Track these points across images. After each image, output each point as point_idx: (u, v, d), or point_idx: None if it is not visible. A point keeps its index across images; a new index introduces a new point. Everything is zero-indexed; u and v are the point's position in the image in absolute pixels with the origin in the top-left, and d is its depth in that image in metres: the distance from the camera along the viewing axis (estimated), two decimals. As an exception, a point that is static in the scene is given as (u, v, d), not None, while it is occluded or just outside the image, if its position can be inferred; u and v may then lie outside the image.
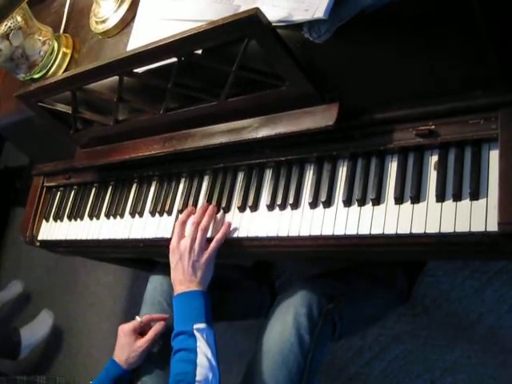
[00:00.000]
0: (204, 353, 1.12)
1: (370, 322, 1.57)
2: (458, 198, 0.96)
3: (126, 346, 1.33)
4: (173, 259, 1.23)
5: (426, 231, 0.98)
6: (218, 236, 1.22)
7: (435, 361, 1.68)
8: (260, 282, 1.86)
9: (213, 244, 1.22)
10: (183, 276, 1.20)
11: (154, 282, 1.49)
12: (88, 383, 1.35)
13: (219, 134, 1.20)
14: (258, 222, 1.20)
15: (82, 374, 2.64)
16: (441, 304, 1.70)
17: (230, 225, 1.23)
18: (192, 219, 1.24)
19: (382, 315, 1.60)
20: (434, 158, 1.02)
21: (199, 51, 1.08)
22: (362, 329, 1.65)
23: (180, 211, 1.33)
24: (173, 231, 1.29)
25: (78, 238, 1.56)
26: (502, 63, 0.88)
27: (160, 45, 1.07)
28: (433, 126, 0.99)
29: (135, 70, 1.17)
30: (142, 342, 1.33)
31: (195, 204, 1.32)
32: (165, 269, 1.50)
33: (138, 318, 1.37)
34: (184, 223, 1.25)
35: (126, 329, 1.35)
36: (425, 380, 1.69)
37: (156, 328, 1.35)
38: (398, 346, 1.76)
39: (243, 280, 1.80)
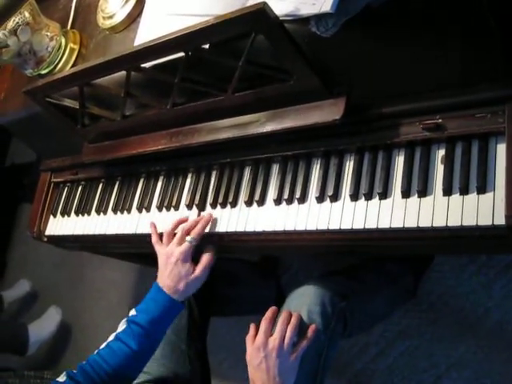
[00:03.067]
0: None
1: (378, 319, 1.56)
2: (464, 191, 0.96)
3: (183, 275, 1.22)
4: (256, 357, 1.14)
5: (433, 225, 0.97)
6: (309, 336, 1.17)
7: (441, 356, 1.68)
8: (266, 278, 1.86)
9: (304, 343, 1.16)
10: (267, 376, 1.12)
11: None
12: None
13: (226, 128, 1.20)
14: (265, 217, 1.20)
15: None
16: (447, 299, 1.70)
17: (315, 330, 1.18)
18: (283, 317, 1.18)
19: (389, 312, 1.59)
20: (441, 152, 1.02)
21: (206, 46, 1.08)
22: (371, 326, 1.65)
23: (187, 206, 1.33)
24: (254, 326, 1.21)
25: (85, 233, 1.57)
26: (509, 56, 0.88)
27: (167, 40, 1.07)
28: (440, 120, 0.99)
29: (142, 65, 1.17)
30: (202, 272, 1.24)
31: (203, 200, 1.32)
32: None
33: (188, 238, 1.24)
34: (271, 320, 1.19)
35: (180, 254, 1.23)
36: (431, 375, 1.69)
37: (208, 256, 1.26)
38: (404, 341, 1.76)
39: (249, 276, 1.80)
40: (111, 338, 1.21)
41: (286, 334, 1.15)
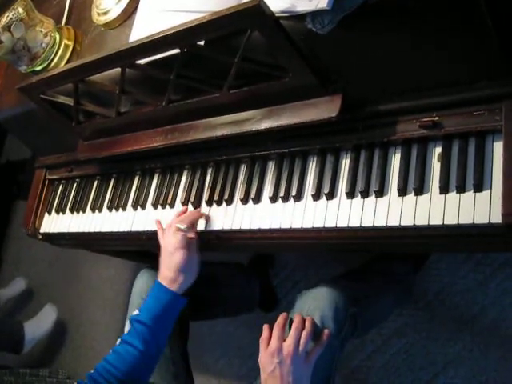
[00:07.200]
0: None
1: (383, 319, 1.56)
2: (461, 189, 0.96)
3: (178, 262, 1.21)
4: (270, 363, 1.11)
5: (430, 223, 0.97)
6: (323, 342, 1.15)
7: (437, 354, 1.68)
8: (248, 278, 1.84)
9: (317, 349, 1.14)
10: (281, 383, 1.10)
11: (140, 283, 1.45)
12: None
13: (222, 125, 1.20)
14: (261, 214, 1.20)
15: (85, 367, 2.65)
16: (443, 297, 1.70)
17: (328, 335, 1.16)
18: (297, 323, 1.15)
19: (392, 312, 1.59)
20: (438, 150, 1.01)
21: (202, 42, 1.07)
22: (376, 326, 1.62)
23: (182, 203, 1.33)
24: (268, 328, 1.18)
25: (80, 230, 1.56)
26: (506, 54, 0.88)
27: (162, 36, 1.06)
28: (436, 118, 0.99)
29: (137, 62, 1.16)
30: (195, 253, 1.25)
31: (199, 197, 1.31)
32: (149, 269, 1.46)
33: (181, 227, 1.24)
34: (284, 326, 1.16)
35: (176, 242, 1.23)
36: (427, 373, 1.69)
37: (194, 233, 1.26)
38: (400, 339, 1.76)
39: (232, 277, 1.76)
40: (117, 342, 1.19)
41: (301, 340, 1.12)
